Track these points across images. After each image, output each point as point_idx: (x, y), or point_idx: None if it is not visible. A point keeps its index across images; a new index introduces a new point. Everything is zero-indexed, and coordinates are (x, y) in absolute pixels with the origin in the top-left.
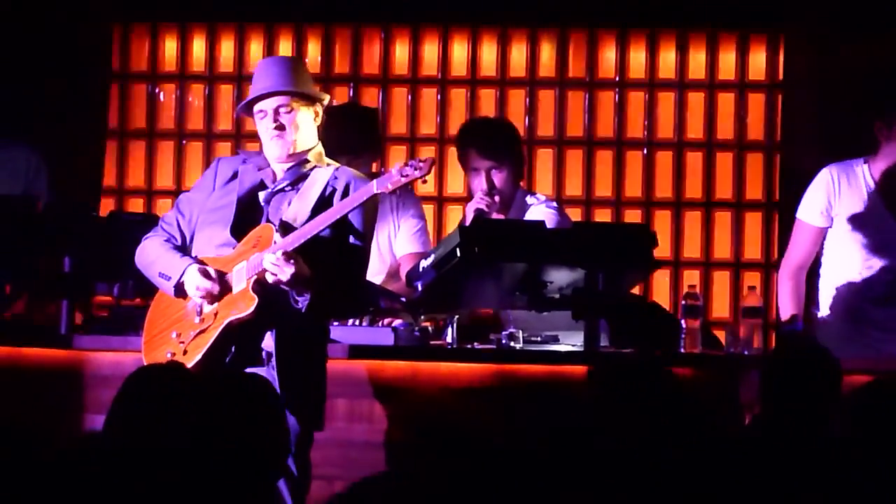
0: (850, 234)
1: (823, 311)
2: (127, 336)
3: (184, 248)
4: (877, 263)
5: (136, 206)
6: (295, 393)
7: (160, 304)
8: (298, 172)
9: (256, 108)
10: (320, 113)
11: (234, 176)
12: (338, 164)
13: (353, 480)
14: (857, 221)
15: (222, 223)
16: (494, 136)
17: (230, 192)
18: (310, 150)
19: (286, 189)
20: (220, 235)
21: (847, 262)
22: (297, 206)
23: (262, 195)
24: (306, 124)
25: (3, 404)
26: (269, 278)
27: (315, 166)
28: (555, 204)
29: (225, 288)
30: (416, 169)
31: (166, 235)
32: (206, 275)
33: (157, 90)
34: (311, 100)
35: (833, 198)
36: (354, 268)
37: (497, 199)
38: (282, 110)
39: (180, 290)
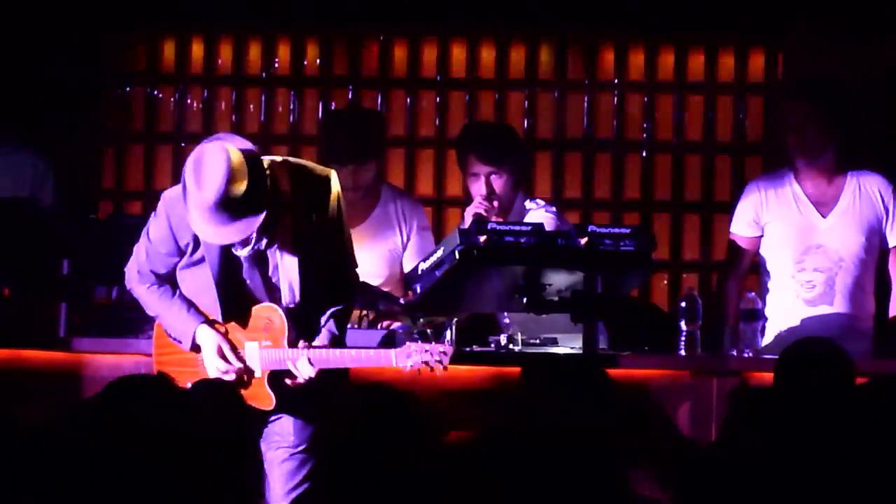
0: (782, 239)
1: (768, 314)
2: (125, 338)
3: (174, 283)
4: (809, 265)
5: (134, 208)
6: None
7: None
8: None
9: None
10: None
11: (197, 242)
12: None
13: None
14: (786, 226)
15: (207, 296)
16: (494, 142)
17: (201, 267)
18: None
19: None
20: (211, 311)
21: (781, 265)
22: (285, 267)
23: (238, 254)
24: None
25: (1, 406)
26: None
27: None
28: (554, 208)
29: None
30: (439, 362)
31: (153, 279)
32: (223, 357)
33: (156, 93)
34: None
35: (761, 208)
36: (352, 293)
37: (496, 204)
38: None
39: (197, 349)
